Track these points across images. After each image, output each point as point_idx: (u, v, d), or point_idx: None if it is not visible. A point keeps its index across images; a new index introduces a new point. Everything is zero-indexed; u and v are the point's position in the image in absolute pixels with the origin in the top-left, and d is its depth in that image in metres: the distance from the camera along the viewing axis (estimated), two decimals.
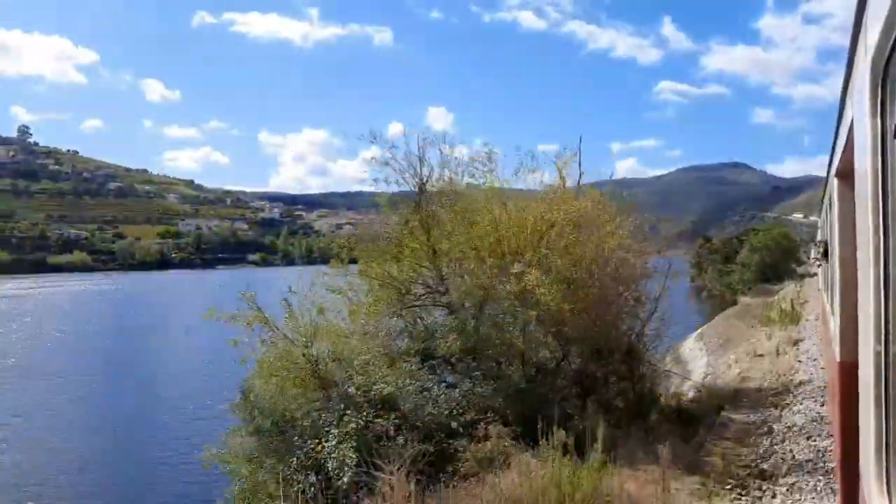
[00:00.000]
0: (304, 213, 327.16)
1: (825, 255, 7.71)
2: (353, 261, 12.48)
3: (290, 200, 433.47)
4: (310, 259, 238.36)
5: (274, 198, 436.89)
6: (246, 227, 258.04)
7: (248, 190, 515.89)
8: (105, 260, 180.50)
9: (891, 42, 1.53)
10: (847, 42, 2.56)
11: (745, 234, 55.88)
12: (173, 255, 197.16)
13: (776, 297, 28.93)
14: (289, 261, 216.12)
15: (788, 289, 35.25)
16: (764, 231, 50.49)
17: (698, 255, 61.91)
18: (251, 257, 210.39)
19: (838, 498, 5.32)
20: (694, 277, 67.37)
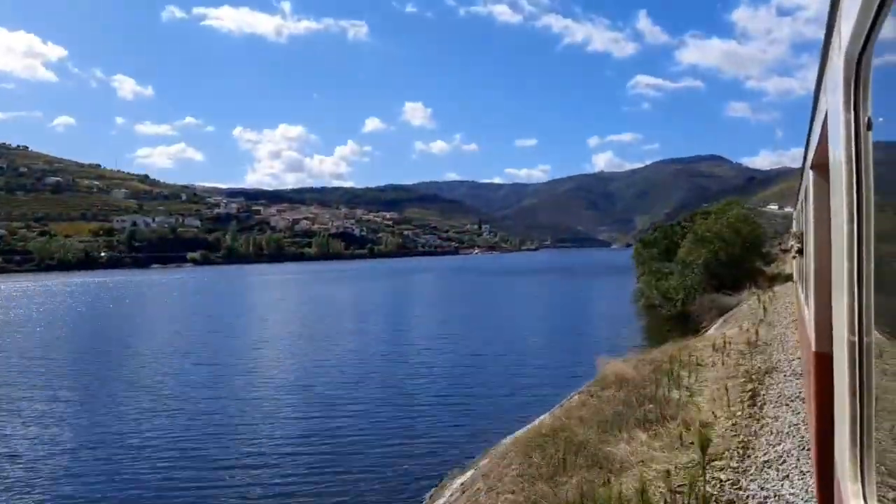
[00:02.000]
0: (261, 209, 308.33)
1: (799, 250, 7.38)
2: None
3: (258, 196, 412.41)
4: (258, 257, 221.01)
5: (237, 193, 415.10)
6: (198, 223, 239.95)
7: (223, 186, 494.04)
8: (19, 261, 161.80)
9: (864, 35, 1.51)
10: (821, 35, 2.54)
11: (688, 220, 39.83)
12: (101, 255, 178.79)
13: (703, 343, 13.82)
14: (232, 259, 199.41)
15: (743, 309, 20.91)
16: (715, 213, 34.45)
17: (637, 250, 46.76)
18: (190, 255, 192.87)
19: (814, 488, 5.33)
20: (639, 278, 53.07)
